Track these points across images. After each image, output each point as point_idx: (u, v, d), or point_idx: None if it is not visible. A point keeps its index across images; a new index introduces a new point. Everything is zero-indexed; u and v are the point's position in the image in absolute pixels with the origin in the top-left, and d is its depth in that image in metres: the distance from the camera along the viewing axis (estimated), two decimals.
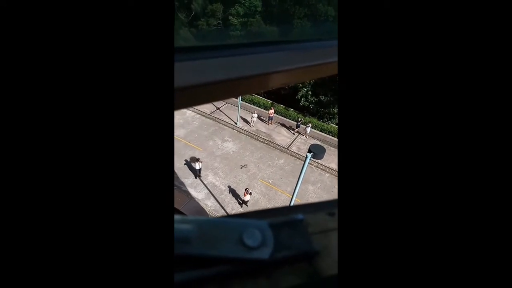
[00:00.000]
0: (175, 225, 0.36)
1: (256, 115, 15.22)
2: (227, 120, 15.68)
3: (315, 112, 16.12)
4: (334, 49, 0.38)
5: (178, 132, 14.18)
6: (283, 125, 15.73)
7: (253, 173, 12.66)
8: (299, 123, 14.98)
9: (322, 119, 15.94)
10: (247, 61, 0.40)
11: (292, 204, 8.98)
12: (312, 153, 7.79)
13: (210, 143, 14.01)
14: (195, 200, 10.48)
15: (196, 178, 12.02)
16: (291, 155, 13.89)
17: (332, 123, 15.73)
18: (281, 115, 15.80)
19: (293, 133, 15.23)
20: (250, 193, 10.89)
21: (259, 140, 14.56)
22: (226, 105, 16.74)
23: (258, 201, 11.45)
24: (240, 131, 15.03)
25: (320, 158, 8.46)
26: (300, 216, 0.41)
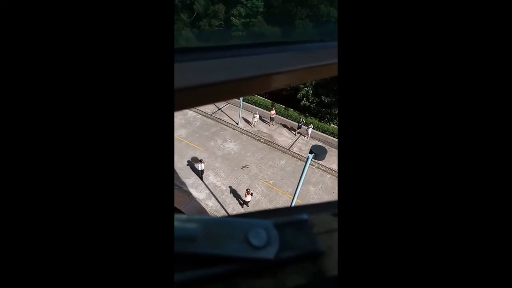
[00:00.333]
0: (181, 224, 0.36)
1: (257, 115, 15.24)
2: (229, 120, 15.70)
3: (316, 113, 16.13)
4: (336, 50, 0.37)
5: (180, 132, 14.22)
6: (284, 126, 15.74)
7: (254, 173, 12.67)
8: (300, 124, 14.99)
9: (324, 120, 15.95)
10: (248, 62, 0.40)
11: (293, 205, 8.99)
12: (313, 154, 7.79)
13: (212, 143, 14.04)
14: (196, 200, 10.50)
15: (201, 179, 12.04)
16: (293, 156, 13.89)
17: (333, 124, 15.72)
18: (282, 116, 15.82)
19: (295, 134, 15.24)
20: (252, 194, 10.89)
21: (261, 141, 14.57)
22: (227, 105, 16.77)
23: (259, 201, 11.45)
24: (242, 131, 15.05)
25: (322, 159, 8.46)
26: (304, 216, 0.41)
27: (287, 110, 16.07)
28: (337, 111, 15.27)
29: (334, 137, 14.77)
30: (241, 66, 0.39)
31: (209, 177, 12.19)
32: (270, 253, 0.36)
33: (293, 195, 9.08)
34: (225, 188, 11.88)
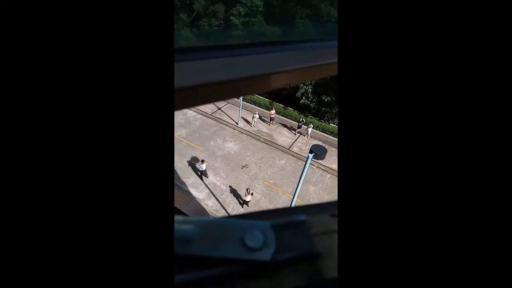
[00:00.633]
0: (177, 226, 0.36)
1: (257, 115, 15.23)
2: (229, 120, 15.69)
3: (316, 112, 16.12)
4: (336, 50, 0.37)
5: (180, 132, 14.22)
6: (284, 125, 15.73)
7: (254, 173, 12.66)
8: (300, 124, 14.98)
9: (324, 119, 15.95)
10: (248, 61, 0.39)
11: (293, 204, 8.99)
12: (313, 154, 7.79)
13: (211, 143, 14.03)
14: (196, 200, 10.49)
15: (201, 179, 12.03)
16: (293, 156, 13.89)
17: (333, 123, 15.71)
18: (282, 116, 15.81)
19: (295, 134, 15.23)
20: (252, 194, 10.88)
21: (260, 141, 14.57)
22: (227, 105, 16.76)
23: (259, 201, 11.45)
24: (241, 131, 15.05)
25: (322, 158, 8.46)
26: (302, 217, 0.41)
27: (286, 109, 16.05)
28: (337, 111, 15.27)
29: (334, 136, 14.76)
30: (241, 65, 0.38)
31: (209, 177, 12.18)
32: (266, 254, 0.36)
33: (293, 194, 9.08)
34: (225, 188, 11.88)
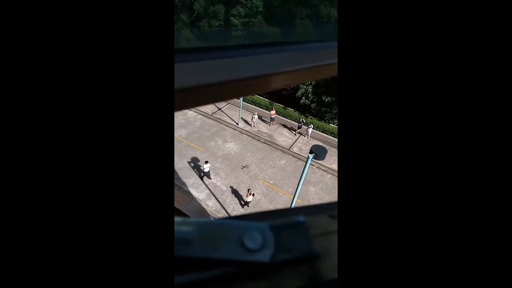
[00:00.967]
0: (176, 227, 0.36)
1: (256, 116, 15.23)
2: (229, 120, 15.70)
3: (316, 113, 16.12)
4: (336, 50, 0.37)
5: (180, 133, 14.22)
6: (284, 126, 15.73)
7: (254, 173, 12.66)
8: (301, 124, 14.99)
9: (324, 120, 15.94)
10: (249, 62, 0.39)
11: (293, 205, 8.98)
12: (313, 154, 7.79)
13: (212, 143, 14.03)
14: (196, 201, 10.50)
15: (203, 179, 12.03)
16: (293, 156, 13.89)
17: (333, 123, 15.71)
18: (282, 116, 15.81)
19: (295, 134, 15.23)
20: (253, 194, 10.85)
21: (261, 141, 14.56)
22: (227, 105, 16.77)
23: (259, 201, 11.45)
24: (242, 131, 15.05)
25: (322, 159, 8.46)
26: (301, 218, 0.41)
27: (286, 109, 16.05)
28: (337, 111, 15.27)
29: (334, 137, 14.76)
30: (241, 66, 0.38)
31: (211, 179, 12.19)
32: (265, 256, 0.35)
33: (293, 195, 9.08)
34: (225, 188, 11.87)
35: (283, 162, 13.50)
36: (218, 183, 12.05)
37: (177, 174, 12.07)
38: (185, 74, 0.32)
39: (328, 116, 16.01)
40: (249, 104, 16.40)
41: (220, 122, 15.55)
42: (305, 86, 15.78)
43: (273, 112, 15.28)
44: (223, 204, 11.29)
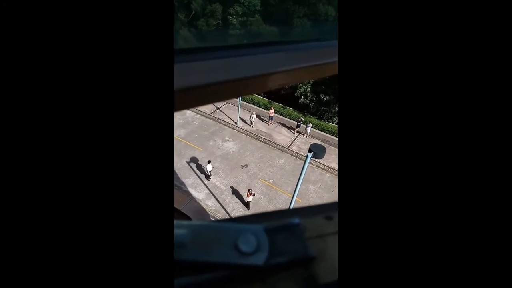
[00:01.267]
0: None
1: (254, 115, 15.21)
2: (227, 120, 15.69)
3: (315, 111, 16.13)
4: (334, 49, 0.37)
5: (179, 132, 14.20)
6: (283, 124, 15.74)
7: (253, 173, 12.67)
8: (299, 123, 14.99)
9: (322, 118, 15.95)
10: (248, 62, 0.39)
11: (292, 203, 8.99)
12: (312, 153, 7.79)
13: (211, 143, 14.03)
14: (195, 200, 10.49)
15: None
16: (292, 155, 13.90)
17: (332, 122, 15.72)
18: (281, 115, 15.81)
19: (294, 133, 15.24)
20: (254, 194, 10.82)
21: (260, 140, 14.57)
22: (226, 105, 16.75)
23: (258, 201, 11.46)
24: (241, 131, 15.05)
25: (321, 157, 8.46)
26: (296, 220, 0.41)
27: (285, 108, 16.05)
28: (335, 110, 15.30)
29: (333, 135, 14.78)
30: (240, 66, 0.38)
31: (211, 179, 12.18)
32: (259, 259, 0.35)
33: (292, 193, 9.08)
34: (225, 188, 11.87)
35: (282, 161, 13.51)
36: (217, 183, 12.05)
37: (176, 174, 12.06)
38: (184, 74, 0.32)
39: (326, 115, 16.02)
40: (248, 103, 16.39)
41: (219, 122, 15.54)
42: (303, 86, 15.78)
43: (272, 111, 15.27)
44: (222, 204, 11.29)
